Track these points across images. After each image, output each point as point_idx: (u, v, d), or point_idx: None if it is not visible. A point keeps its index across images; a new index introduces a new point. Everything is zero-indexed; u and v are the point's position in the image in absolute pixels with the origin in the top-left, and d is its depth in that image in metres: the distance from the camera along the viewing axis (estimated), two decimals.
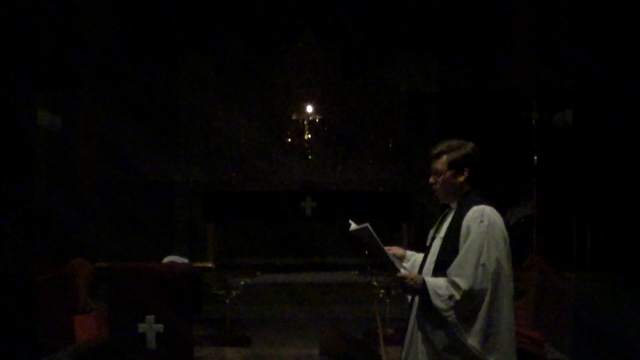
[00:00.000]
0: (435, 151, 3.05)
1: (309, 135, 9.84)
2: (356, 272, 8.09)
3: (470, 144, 3.05)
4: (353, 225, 3.00)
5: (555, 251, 6.40)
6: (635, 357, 4.13)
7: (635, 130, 4.25)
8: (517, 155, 8.77)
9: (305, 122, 9.84)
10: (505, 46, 9.35)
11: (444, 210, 3.15)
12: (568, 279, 5.20)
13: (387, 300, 6.28)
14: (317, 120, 9.88)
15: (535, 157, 7.60)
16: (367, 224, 2.96)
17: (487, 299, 2.81)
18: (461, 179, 3.01)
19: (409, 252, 3.27)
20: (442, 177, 3.02)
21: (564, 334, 5.14)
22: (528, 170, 7.88)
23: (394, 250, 3.17)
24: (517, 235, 7.90)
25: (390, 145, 10.04)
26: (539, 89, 8.10)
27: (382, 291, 6.33)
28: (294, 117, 9.91)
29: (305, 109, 9.90)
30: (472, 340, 2.81)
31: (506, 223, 3.01)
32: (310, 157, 9.84)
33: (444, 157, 3.01)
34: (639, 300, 4.18)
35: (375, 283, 6.45)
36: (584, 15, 4.57)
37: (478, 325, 2.81)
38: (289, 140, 10.03)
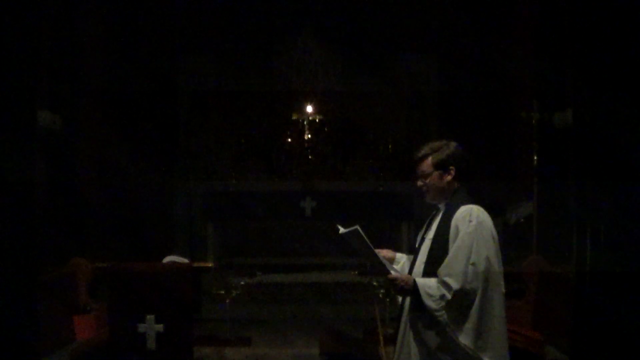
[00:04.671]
0: (419, 154, 3.09)
1: (309, 135, 9.83)
2: (356, 272, 8.10)
3: (453, 143, 3.09)
4: (342, 229, 3.01)
5: (555, 251, 6.39)
6: (635, 357, 4.13)
7: (636, 129, 4.25)
8: (517, 155, 8.77)
9: (305, 122, 9.83)
10: (505, 46, 9.35)
11: (432, 211, 3.17)
12: (568, 279, 5.20)
13: (387, 300, 6.29)
14: (317, 120, 9.88)
15: (535, 157, 7.60)
16: (356, 227, 2.96)
17: (478, 297, 2.83)
18: (448, 178, 3.04)
19: (398, 255, 3.30)
20: (429, 179, 3.05)
21: (564, 334, 5.14)
22: (528, 170, 7.87)
23: (383, 252, 3.19)
24: (517, 235, 7.90)
25: (390, 146, 10.04)
26: (539, 89, 8.10)
27: (382, 291, 6.33)
28: (294, 117, 9.91)
29: (305, 109, 9.90)
30: (465, 339, 2.82)
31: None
32: (310, 157, 9.84)
33: (429, 159, 3.05)
34: (639, 299, 4.18)
35: (375, 283, 6.45)
36: (584, 14, 4.57)
37: (470, 324, 2.83)
38: (289, 140, 10.03)
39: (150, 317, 4.57)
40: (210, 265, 5.70)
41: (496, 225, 3.00)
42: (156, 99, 9.37)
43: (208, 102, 9.97)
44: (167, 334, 4.56)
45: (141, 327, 4.58)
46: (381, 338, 4.72)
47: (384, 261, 3.07)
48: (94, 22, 8.92)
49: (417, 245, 3.16)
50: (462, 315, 2.82)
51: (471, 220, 2.89)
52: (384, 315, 6.15)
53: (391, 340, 3.39)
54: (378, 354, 5.09)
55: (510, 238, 7.83)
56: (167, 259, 5.04)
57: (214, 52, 9.86)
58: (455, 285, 2.81)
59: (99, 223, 8.65)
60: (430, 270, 2.93)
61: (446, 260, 2.87)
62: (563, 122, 7.18)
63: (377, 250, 3.06)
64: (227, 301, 6.54)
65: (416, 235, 3.28)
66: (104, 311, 5.57)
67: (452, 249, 2.88)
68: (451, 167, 3.03)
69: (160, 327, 4.57)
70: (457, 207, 2.96)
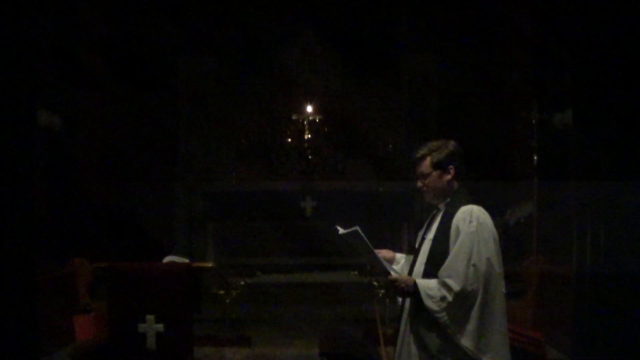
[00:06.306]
0: (417, 155, 3.07)
1: (309, 135, 9.84)
2: (356, 272, 8.10)
3: (451, 142, 3.07)
4: (342, 230, 3.00)
5: (555, 251, 6.39)
6: (635, 357, 4.13)
7: (635, 129, 4.25)
8: (517, 155, 8.77)
9: (305, 122, 9.84)
10: (505, 46, 9.35)
11: (432, 210, 3.17)
12: (568, 279, 5.20)
13: (387, 300, 6.29)
14: (317, 120, 9.88)
15: (535, 157, 7.60)
16: (356, 228, 2.96)
17: (479, 299, 2.82)
18: (448, 177, 3.03)
19: (398, 255, 3.29)
20: (428, 179, 3.04)
21: (564, 334, 5.14)
22: (528, 170, 7.88)
23: (383, 253, 3.19)
24: (517, 235, 7.91)
25: (390, 146, 10.05)
26: (539, 89, 8.10)
27: (382, 291, 6.33)
28: (294, 117, 9.92)
29: (305, 109, 9.91)
30: (466, 341, 2.81)
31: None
32: (310, 157, 9.84)
33: (428, 159, 3.04)
34: (638, 299, 4.18)
35: (375, 283, 6.45)
36: (584, 14, 4.57)
37: (471, 325, 2.82)
38: (289, 140, 10.04)
39: (150, 317, 4.56)
40: (210, 265, 5.69)
41: (496, 225, 3.00)
42: (156, 98, 9.37)
43: (208, 102, 9.97)
44: (167, 334, 4.56)
45: (141, 327, 4.57)
46: (381, 338, 4.71)
47: (384, 262, 3.06)
48: (94, 21, 8.93)
49: (417, 246, 3.15)
50: (463, 316, 2.82)
51: (472, 220, 2.89)
52: (384, 315, 6.15)
53: (391, 340, 3.39)
54: (378, 354, 5.08)
55: (510, 238, 7.83)
56: (167, 259, 5.04)
57: (214, 52, 9.86)
58: (456, 286, 2.80)
59: (99, 223, 8.66)
60: (430, 270, 2.92)
61: (447, 262, 2.87)
62: (563, 122, 7.19)
63: (376, 251, 3.05)
64: (227, 301, 6.54)
65: (416, 236, 3.27)
66: (104, 311, 5.56)
67: (453, 250, 2.88)
68: (450, 167, 3.02)
69: (160, 327, 4.57)
70: (458, 208, 2.95)
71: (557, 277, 5.79)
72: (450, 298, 2.80)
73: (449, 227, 2.93)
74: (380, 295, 6.33)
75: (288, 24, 10.00)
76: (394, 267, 3.19)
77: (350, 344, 5.84)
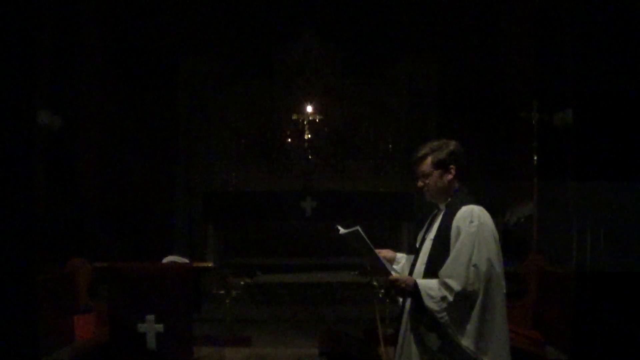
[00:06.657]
0: (418, 155, 3.06)
1: (309, 135, 9.84)
2: (356, 272, 8.09)
3: (453, 142, 3.06)
4: (342, 230, 2.99)
5: (555, 251, 6.40)
6: (635, 357, 4.13)
7: (636, 129, 4.25)
8: (517, 155, 8.78)
9: (305, 122, 9.84)
10: (505, 46, 9.35)
11: (433, 210, 3.16)
12: (568, 279, 5.20)
13: (387, 300, 6.28)
14: (317, 120, 9.89)
15: (535, 157, 7.60)
16: (357, 228, 2.95)
17: (479, 299, 2.82)
18: (449, 177, 3.02)
19: (398, 255, 3.28)
20: (429, 179, 3.03)
21: (564, 334, 5.13)
22: (528, 170, 7.88)
23: (383, 253, 3.18)
24: (517, 235, 7.91)
25: (390, 146, 10.05)
26: (539, 89, 8.11)
27: (382, 291, 6.32)
28: (294, 117, 9.92)
29: (305, 109, 9.91)
30: (466, 341, 2.81)
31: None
32: (310, 157, 9.84)
33: (429, 159, 3.03)
34: (638, 299, 4.17)
35: (375, 283, 6.45)
36: (584, 14, 4.57)
37: (471, 325, 2.81)
38: (289, 140, 10.04)
39: (150, 317, 4.56)
40: (210, 265, 5.70)
41: (496, 225, 3.00)
42: (156, 98, 9.37)
43: (208, 102, 9.97)
44: (167, 334, 4.56)
45: (141, 327, 4.57)
46: (381, 338, 4.72)
47: (385, 262, 3.06)
48: (94, 22, 8.93)
49: (417, 246, 3.15)
50: (464, 316, 2.81)
51: (472, 221, 2.88)
52: (384, 315, 6.15)
53: (391, 340, 3.38)
54: (378, 354, 5.08)
55: (510, 238, 7.84)
56: (167, 259, 5.04)
57: (214, 52, 9.86)
58: (456, 286, 2.80)
59: (99, 223, 8.66)
60: (431, 270, 2.92)
61: (447, 262, 2.86)
62: (563, 122, 7.19)
63: (377, 251, 3.05)
64: (227, 301, 6.54)
65: (416, 235, 3.27)
66: (104, 311, 5.56)
67: (454, 250, 2.87)
68: (451, 166, 3.02)
69: (160, 327, 4.57)
70: (458, 208, 2.94)
71: (557, 277, 5.79)
72: (450, 298, 2.80)
73: (450, 227, 2.92)
74: (380, 295, 6.33)
75: (288, 24, 10.01)
76: (395, 267, 3.19)
77: (350, 344, 5.84)
